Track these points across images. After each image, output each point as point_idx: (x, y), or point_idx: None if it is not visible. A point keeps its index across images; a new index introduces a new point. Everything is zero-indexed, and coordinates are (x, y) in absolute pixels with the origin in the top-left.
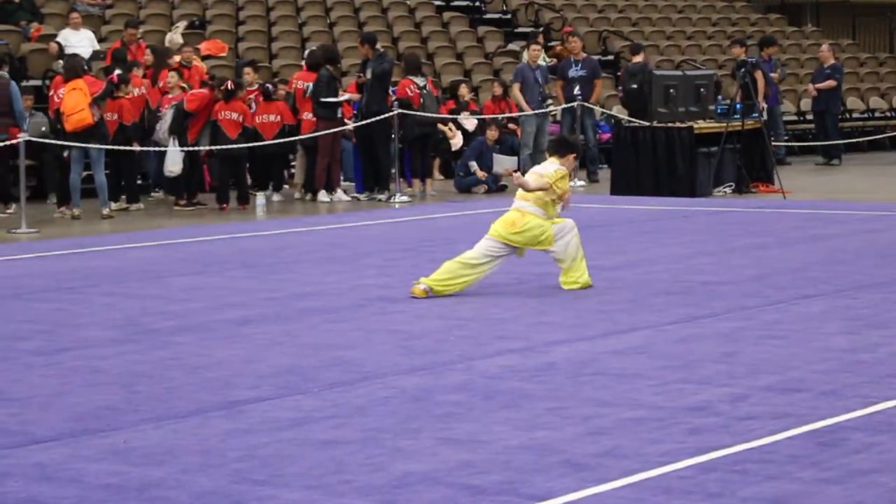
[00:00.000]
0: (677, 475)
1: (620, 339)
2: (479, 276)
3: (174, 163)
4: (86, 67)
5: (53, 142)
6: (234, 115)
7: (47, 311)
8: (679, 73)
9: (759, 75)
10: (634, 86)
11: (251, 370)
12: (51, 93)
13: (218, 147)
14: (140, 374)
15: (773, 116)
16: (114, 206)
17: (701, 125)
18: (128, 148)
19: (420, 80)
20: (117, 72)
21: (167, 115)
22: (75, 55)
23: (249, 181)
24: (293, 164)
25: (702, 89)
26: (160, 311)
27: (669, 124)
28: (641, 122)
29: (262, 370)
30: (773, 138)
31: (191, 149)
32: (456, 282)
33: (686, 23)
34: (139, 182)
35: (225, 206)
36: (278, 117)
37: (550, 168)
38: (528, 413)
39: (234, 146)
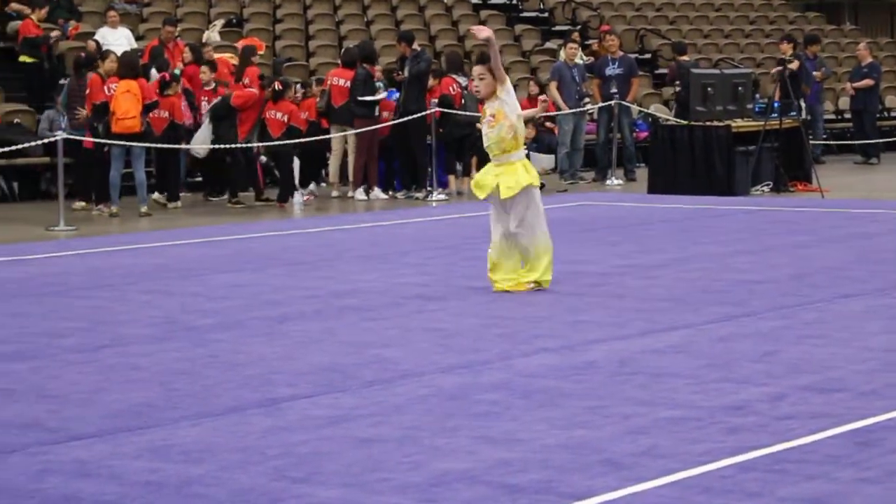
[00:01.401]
0: (717, 474)
1: (658, 338)
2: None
3: (201, 143)
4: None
5: (93, 139)
6: (279, 115)
7: (86, 308)
8: (717, 71)
9: (794, 65)
10: None
11: (290, 368)
12: (87, 91)
13: (262, 144)
14: (179, 372)
15: (814, 115)
16: (154, 196)
17: (739, 124)
18: (173, 146)
19: (462, 80)
20: (176, 70)
21: (215, 102)
22: (134, 51)
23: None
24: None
25: (740, 88)
26: (199, 309)
27: (707, 123)
28: (679, 120)
29: (301, 368)
30: (811, 137)
31: (222, 146)
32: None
33: (724, 21)
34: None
35: (260, 197)
36: (286, 117)
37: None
38: (567, 412)
39: (276, 142)
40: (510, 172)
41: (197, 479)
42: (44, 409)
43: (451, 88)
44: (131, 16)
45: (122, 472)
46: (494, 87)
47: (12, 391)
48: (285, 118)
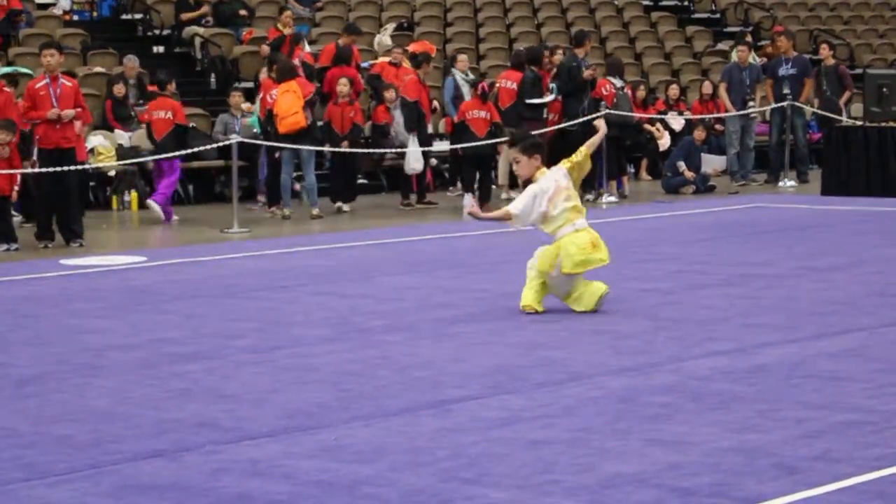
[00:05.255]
0: (891, 480)
1: (832, 342)
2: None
3: (416, 160)
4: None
5: (265, 142)
6: (483, 114)
7: (259, 309)
8: (892, 71)
9: None
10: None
11: (459, 369)
12: (261, 95)
13: (465, 145)
14: (350, 373)
15: None
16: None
17: None
18: (346, 150)
19: (617, 82)
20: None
21: (397, 115)
22: (286, 56)
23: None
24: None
25: None
26: (370, 311)
27: (882, 123)
28: (854, 121)
29: (470, 369)
30: None
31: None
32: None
33: None
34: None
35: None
36: (488, 115)
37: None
38: (738, 415)
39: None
40: None
41: (367, 480)
42: (218, 409)
43: (603, 90)
44: (304, 20)
45: (295, 472)
46: (535, 169)
47: (188, 391)
48: (488, 116)
